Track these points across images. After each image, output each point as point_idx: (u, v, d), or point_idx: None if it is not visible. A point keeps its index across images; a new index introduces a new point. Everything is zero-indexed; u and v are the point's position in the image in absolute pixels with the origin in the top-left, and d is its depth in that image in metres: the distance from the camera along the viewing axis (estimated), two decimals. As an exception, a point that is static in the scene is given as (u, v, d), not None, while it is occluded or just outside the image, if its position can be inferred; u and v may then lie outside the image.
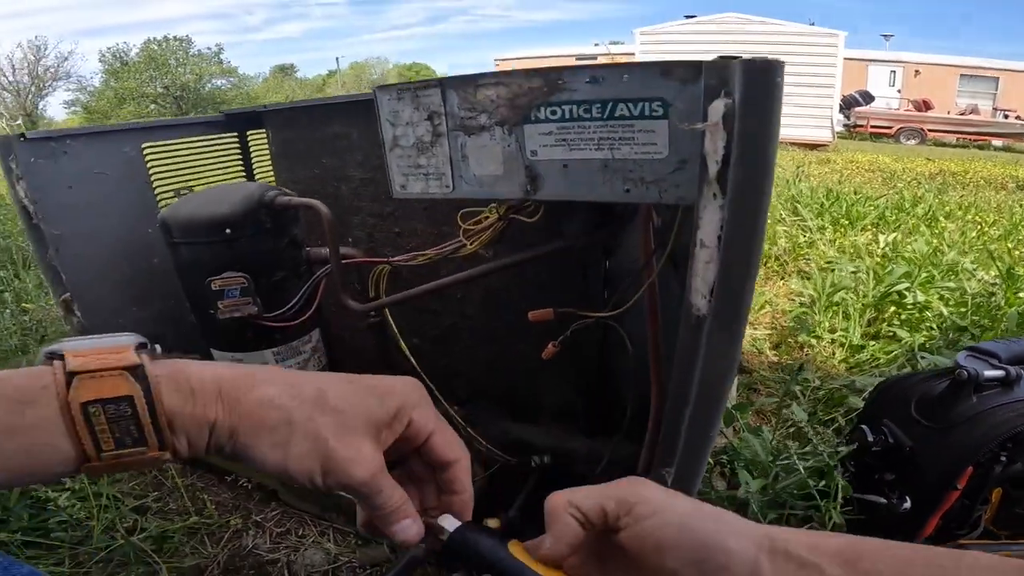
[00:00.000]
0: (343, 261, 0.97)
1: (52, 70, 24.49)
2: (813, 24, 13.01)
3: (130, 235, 1.19)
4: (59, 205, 1.08)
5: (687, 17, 13.35)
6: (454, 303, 1.10)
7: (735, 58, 0.44)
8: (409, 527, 0.44)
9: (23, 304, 2.04)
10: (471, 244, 0.85)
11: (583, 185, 0.56)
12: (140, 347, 0.39)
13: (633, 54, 13.07)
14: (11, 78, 23.18)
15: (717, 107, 0.45)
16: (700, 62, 0.47)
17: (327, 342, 1.13)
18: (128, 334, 0.41)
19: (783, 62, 0.44)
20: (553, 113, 0.55)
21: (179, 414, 0.38)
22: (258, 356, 1.00)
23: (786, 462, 0.93)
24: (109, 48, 26.04)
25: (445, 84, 0.60)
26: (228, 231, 0.94)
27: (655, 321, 0.74)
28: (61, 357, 0.37)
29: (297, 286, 1.01)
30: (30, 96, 24.29)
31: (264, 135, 1.35)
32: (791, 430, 1.18)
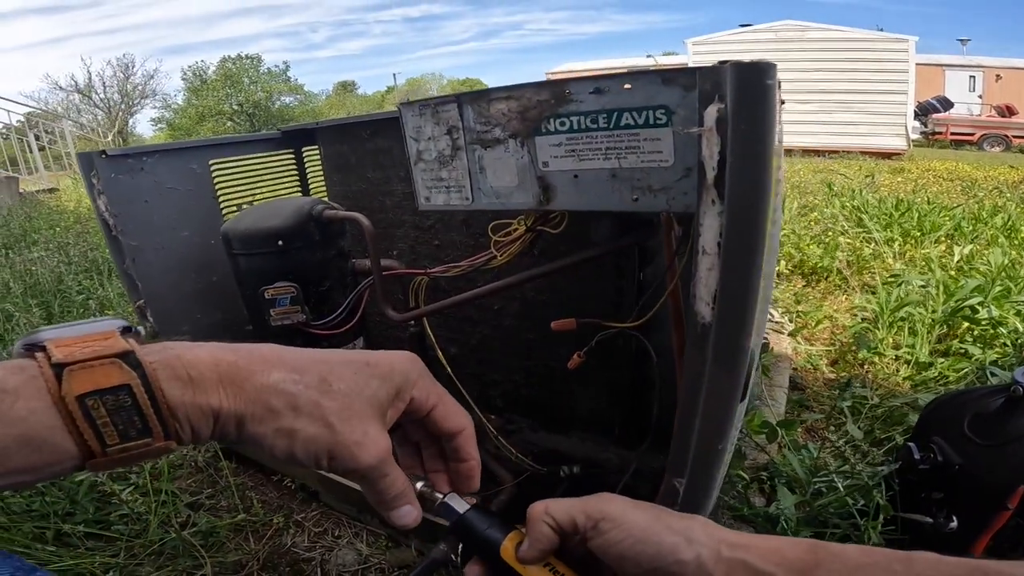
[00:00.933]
0: (384, 273, 1.02)
1: (140, 88, 26.40)
2: (881, 30, 12.39)
3: (197, 247, 1.30)
4: (136, 218, 1.18)
5: (742, 26, 13.01)
6: (491, 314, 1.13)
7: (725, 63, 0.45)
8: (408, 513, 0.47)
9: (106, 312, 2.21)
10: (501, 256, 0.88)
11: (593, 195, 0.58)
12: (124, 331, 0.38)
13: (686, 65, 12.81)
14: (102, 95, 24.90)
15: (711, 112, 0.46)
16: (696, 68, 0.48)
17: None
18: (109, 318, 0.39)
19: (774, 63, 0.44)
20: (562, 124, 0.57)
21: (180, 403, 0.37)
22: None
23: (826, 480, 0.90)
24: (190, 66, 28.13)
25: (462, 99, 0.64)
26: (280, 243, 1.02)
27: (680, 329, 0.74)
28: (42, 348, 0.34)
29: (343, 296, 1.08)
30: (120, 113, 26.00)
31: (317, 151, 1.42)
32: (842, 448, 1.14)
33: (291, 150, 1.48)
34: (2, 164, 7.38)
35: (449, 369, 1.10)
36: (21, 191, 6.27)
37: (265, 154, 1.45)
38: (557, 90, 0.56)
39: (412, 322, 1.10)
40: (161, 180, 1.25)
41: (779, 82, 0.51)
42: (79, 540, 1.10)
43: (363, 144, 1.26)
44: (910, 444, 0.91)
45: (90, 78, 24.63)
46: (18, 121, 9.23)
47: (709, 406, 0.56)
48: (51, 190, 6.88)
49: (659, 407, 0.98)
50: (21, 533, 1.08)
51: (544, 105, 0.58)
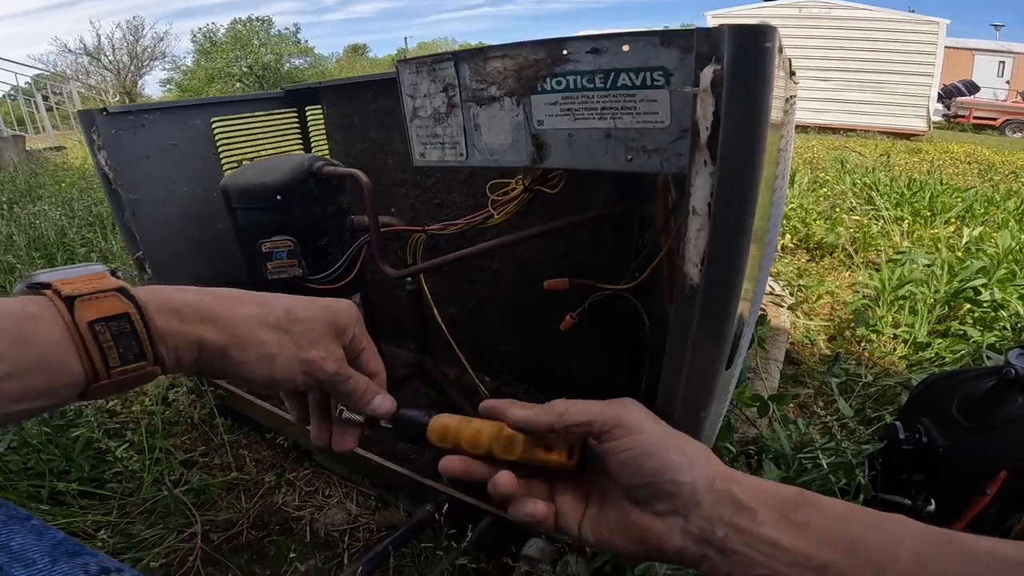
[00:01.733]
0: (382, 229, 1.02)
1: (149, 50, 26.37)
2: (913, 11, 12.06)
3: (197, 202, 1.32)
4: (137, 173, 1.21)
5: (765, 0, 12.61)
6: (488, 275, 1.14)
7: (723, 25, 0.44)
8: (382, 402, 0.56)
9: (109, 263, 2.22)
10: (498, 215, 0.88)
11: (587, 154, 0.58)
12: (111, 274, 0.42)
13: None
14: (111, 57, 24.75)
15: (707, 73, 0.45)
16: (694, 30, 0.47)
17: (369, 313, 1.19)
18: (93, 264, 0.44)
19: (775, 27, 0.44)
20: (558, 84, 0.57)
21: (168, 332, 0.42)
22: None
23: (812, 456, 0.91)
24: (200, 28, 27.87)
25: (458, 57, 0.63)
26: (279, 197, 1.02)
27: (672, 292, 0.74)
28: (47, 286, 0.39)
29: (341, 251, 1.09)
30: (129, 75, 26.17)
31: (321, 110, 1.42)
32: (830, 424, 1.15)
33: (294, 109, 1.49)
34: (10, 125, 7.45)
35: (446, 329, 1.11)
36: (28, 149, 6.29)
37: (268, 113, 1.46)
38: (554, 49, 0.56)
39: (409, 280, 1.11)
40: (162, 137, 1.28)
41: (781, 47, 0.50)
42: (73, 499, 1.13)
43: (367, 104, 1.26)
44: (896, 424, 0.92)
45: (99, 41, 24.52)
46: (26, 83, 9.26)
47: (693, 372, 0.56)
48: (57, 148, 6.91)
49: (649, 373, 0.99)
50: (16, 492, 1.11)
51: (541, 64, 0.57)
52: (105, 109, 1.17)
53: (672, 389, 0.59)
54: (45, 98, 9.10)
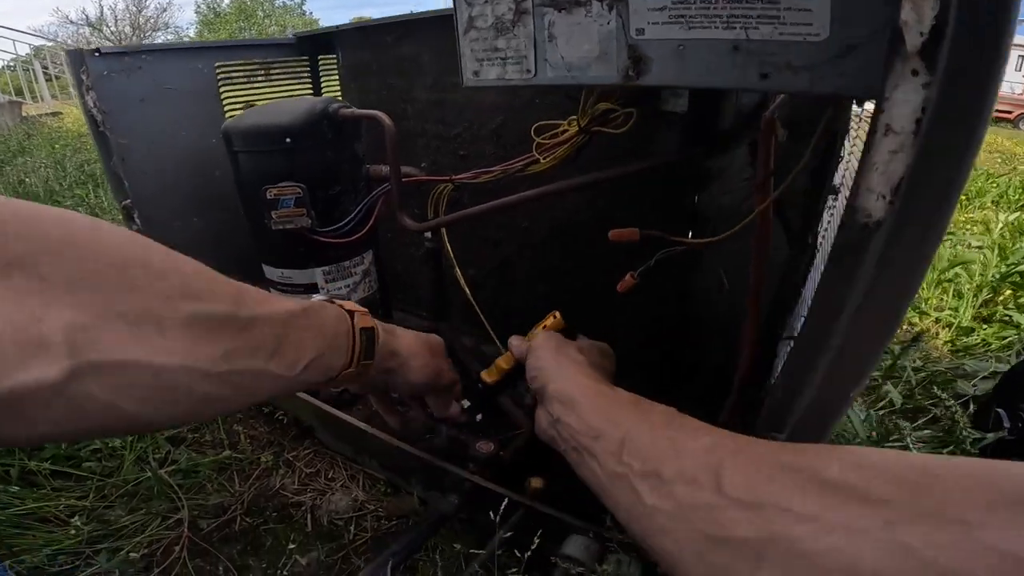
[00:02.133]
0: (403, 180, 0.89)
1: (152, 21, 25.89)
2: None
3: (195, 148, 1.23)
4: (129, 117, 1.12)
5: None
6: (518, 233, 1.03)
7: None
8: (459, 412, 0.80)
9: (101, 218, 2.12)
10: (544, 160, 0.75)
11: (703, 69, 0.47)
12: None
13: None
14: (114, 28, 24.46)
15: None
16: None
17: (380, 272, 1.06)
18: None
19: None
20: (670, -17, 0.44)
21: (385, 343, 0.63)
22: (308, 274, 0.96)
23: (899, 444, 0.79)
24: None
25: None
26: (288, 140, 0.92)
27: (763, 255, 0.62)
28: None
29: (354, 203, 0.97)
30: (131, 46, 25.66)
31: (334, 59, 1.31)
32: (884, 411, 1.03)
33: (305, 57, 1.37)
34: (8, 94, 7.46)
35: (468, 291, 0.99)
36: (24, 115, 6.20)
37: (276, 60, 1.34)
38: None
39: (429, 236, 0.98)
40: (161, 80, 1.18)
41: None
42: (45, 479, 1.01)
43: (386, 51, 1.14)
44: (999, 411, 0.80)
45: (101, 11, 24.22)
46: (26, 54, 9.25)
47: (853, 336, 0.43)
48: (54, 114, 6.82)
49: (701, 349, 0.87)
50: (-19, 473, 0.99)
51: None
52: (98, 49, 1.08)
53: (807, 364, 0.46)
54: (45, 68, 9.06)
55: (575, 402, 0.53)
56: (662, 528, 0.37)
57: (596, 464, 0.47)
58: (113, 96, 1.09)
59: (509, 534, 0.73)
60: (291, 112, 0.93)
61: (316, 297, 0.60)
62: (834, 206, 0.95)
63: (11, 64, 9.08)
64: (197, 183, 1.24)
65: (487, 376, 0.77)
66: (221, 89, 1.28)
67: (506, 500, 0.73)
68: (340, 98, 1.30)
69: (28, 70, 8.63)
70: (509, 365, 0.76)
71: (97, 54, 1.07)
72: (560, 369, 0.59)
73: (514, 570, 0.69)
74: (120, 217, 1.16)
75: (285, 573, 0.87)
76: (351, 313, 0.58)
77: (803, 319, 0.90)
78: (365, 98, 1.21)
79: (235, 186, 0.98)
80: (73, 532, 0.91)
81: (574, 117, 0.74)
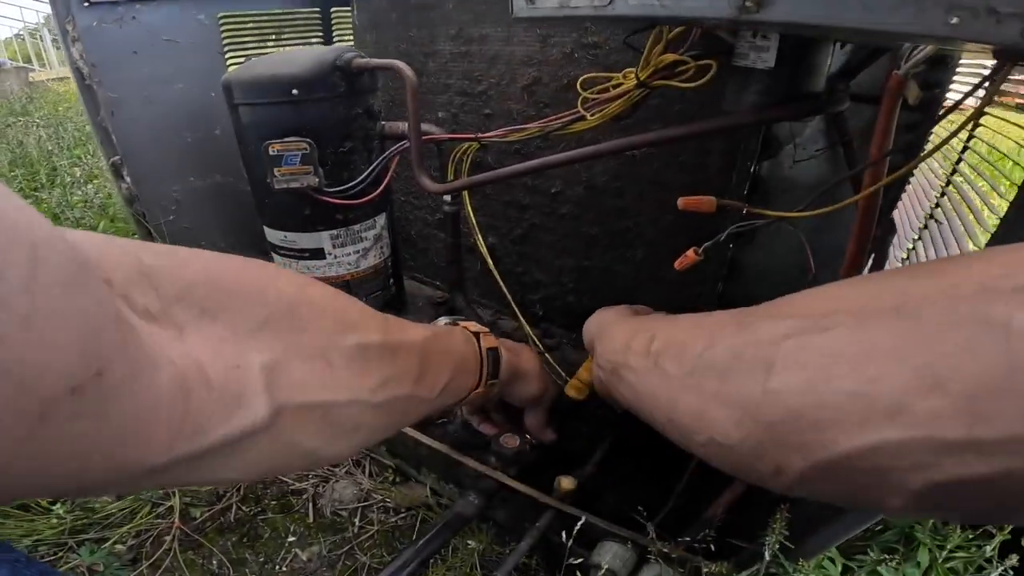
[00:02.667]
0: (423, 138, 0.80)
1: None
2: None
3: (195, 104, 1.14)
4: (120, 69, 1.04)
5: None
6: (546, 199, 0.94)
7: None
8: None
9: (94, 180, 2.11)
10: (591, 116, 0.66)
11: (860, 7, 0.34)
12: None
13: None
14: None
15: None
16: None
17: (392, 240, 0.98)
18: (443, 319, 0.78)
19: None
20: None
21: (508, 362, 0.65)
22: (313, 238, 0.88)
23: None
24: None
25: None
26: (295, 92, 0.82)
27: (865, 234, 0.52)
28: (456, 324, 0.63)
29: (367, 162, 0.88)
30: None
31: (349, 11, 1.20)
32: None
33: (316, 9, 1.27)
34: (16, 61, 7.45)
35: (491, 260, 0.91)
36: (31, 80, 6.15)
37: (285, 11, 1.24)
38: None
39: (449, 200, 0.89)
40: (156, 31, 1.08)
41: None
42: None
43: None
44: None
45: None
46: (35, 23, 9.27)
47: None
48: (61, 79, 6.76)
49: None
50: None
51: None
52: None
53: None
54: (54, 37, 9.09)
55: (611, 331, 0.55)
56: (684, 388, 0.36)
57: (630, 373, 0.46)
58: (103, 48, 1.00)
59: (533, 540, 0.64)
60: (298, 62, 0.83)
61: (441, 321, 0.70)
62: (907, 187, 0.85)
63: (20, 33, 9.08)
64: (195, 141, 1.16)
65: (575, 393, 0.74)
66: (224, 42, 1.18)
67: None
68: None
69: (36, 37, 8.61)
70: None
71: (86, 4, 0.98)
72: (604, 318, 0.64)
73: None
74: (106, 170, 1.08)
75: (284, 569, 0.79)
76: (476, 335, 0.61)
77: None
78: (382, 53, 1.11)
79: (237, 142, 0.89)
80: (55, 521, 0.84)
81: (630, 70, 0.65)
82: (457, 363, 0.54)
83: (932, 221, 0.76)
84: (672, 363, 0.38)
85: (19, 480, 0.20)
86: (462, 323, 0.64)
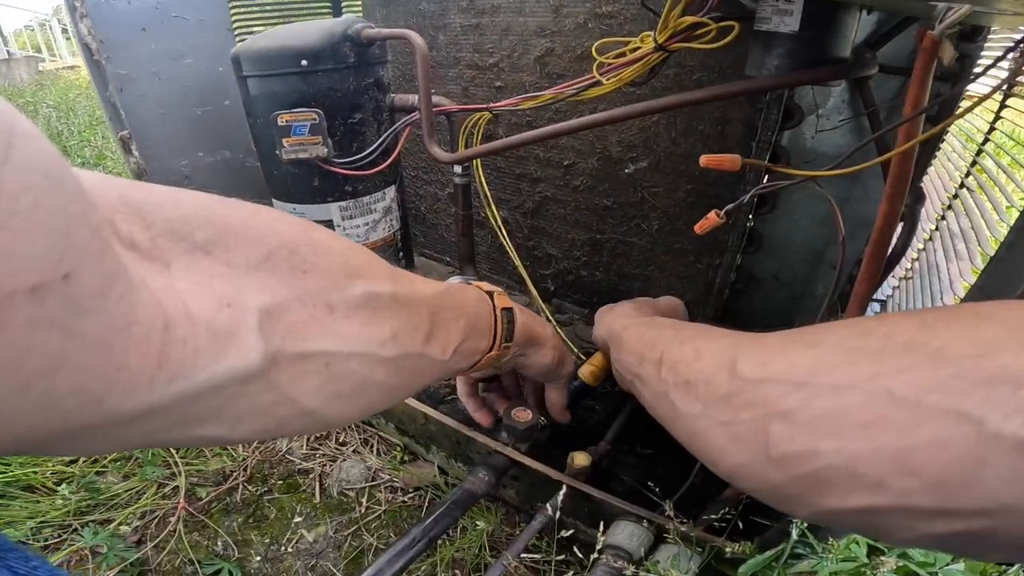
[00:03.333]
0: (434, 110, 0.78)
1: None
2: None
3: (204, 79, 1.14)
4: (129, 46, 1.04)
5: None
6: (559, 171, 0.93)
7: None
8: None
9: (104, 159, 2.13)
10: (608, 81, 0.64)
11: None
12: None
13: None
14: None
15: None
16: None
17: (402, 214, 0.98)
18: (455, 277, 0.73)
19: None
20: None
21: (524, 324, 0.59)
22: (323, 209, 0.87)
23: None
24: None
25: None
26: (304, 63, 0.81)
27: (896, 200, 0.50)
28: (470, 283, 0.57)
29: (376, 134, 0.86)
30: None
31: (359, -13, 1.19)
32: None
33: (327, -15, 1.24)
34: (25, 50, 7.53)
35: (503, 232, 0.89)
36: (41, 70, 6.20)
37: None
38: None
39: (459, 171, 0.87)
40: (165, 7, 1.08)
41: None
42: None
43: (417, -30, 1.02)
44: None
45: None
46: (45, 14, 9.38)
47: None
48: (71, 67, 6.82)
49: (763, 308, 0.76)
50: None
51: None
52: (93, -25, 0.99)
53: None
54: (64, 29, 9.19)
55: (622, 340, 0.56)
56: (696, 431, 0.37)
57: (645, 388, 0.47)
58: (112, 24, 1.00)
59: (546, 518, 0.62)
60: (307, 33, 0.82)
61: (454, 279, 0.63)
62: (932, 162, 0.83)
63: (30, 24, 9.19)
64: (204, 116, 1.15)
65: (591, 379, 0.72)
66: (233, 19, 1.17)
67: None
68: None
69: (46, 28, 8.70)
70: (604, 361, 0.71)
71: (95, -18, 0.98)
72: (612, 325, 0.62)
73: (548, 559, 0.59)
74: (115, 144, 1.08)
75: (289, 550, 0.78)
76: (490, 294, 0.56)
77: (896, 282, 0.79)
78: (392, 26, 1.09)
79: (245, 115, 0.89)
80: (60, 502, 0.84)
81: (647, 33, 0.63)
82: (470, 322, 0.50)
83: (963, 190, 0.73)
84: (682, 398, 0.39)
85: None
86: (475, 283, 0.58)
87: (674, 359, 0.43)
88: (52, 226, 0.17)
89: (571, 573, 0.69)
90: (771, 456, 0.30)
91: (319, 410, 0.33)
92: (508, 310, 0.56)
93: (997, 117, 0.74)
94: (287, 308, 0.30)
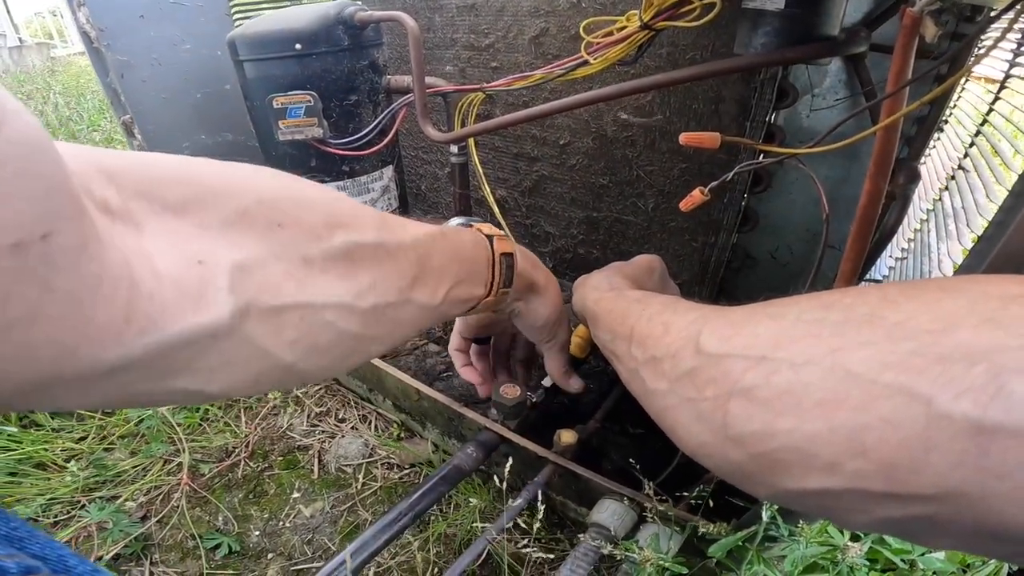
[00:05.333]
0: (428, 91, 0.79)
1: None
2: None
3: (203, 62, 1.16)
4: (128, 33, 1.07)
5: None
6: (555, 150, 0.94)
7: None
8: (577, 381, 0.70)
9: (112, 144, 2.18)
10: (595, 61, 0.64)
11: None
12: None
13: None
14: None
15: None
16: None
17: (401, 192, 1.01)
18: (456, 219, 0.60)
19: None
20: None
21: (523, 270, 0.57)
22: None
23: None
24: None
25: None
26: (298, 46, 0.82)
27: (880, 177, 0.51)
28: (470, 226, 0.55)
29: (372, 115, 0.88)
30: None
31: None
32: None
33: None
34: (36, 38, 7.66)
35: (498, 210, 0.91)
36: (53, 56, 6.27)
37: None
38: None
39: (456, 151, 0.89)
40: None
41: None
42: (46, 418, 0.97)
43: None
44: None
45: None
46: (55, 2, 9.47)
47: None
48: (82, 52, 6.92)
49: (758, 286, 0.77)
50: (-22, 415, 0.95)
51: None
52: (90, -36, 1.00)
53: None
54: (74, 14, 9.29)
55: (596, 316, 0.54)
56: (664, 408, 0.37)
57: (620, 365, 0.47)
58: (110, 12, 1.03)
59: (531, 495, 0.64)
60: (301, 17, 0.84)
61: (453, 221, 0.59)
62: (935, 145, 0.83)
63: (40, 12, 9.29)
64: (204, 99, 1.18)
65: (577, 351, 0.71)
66: (231, 3, 1.18)
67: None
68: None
69: (57, 15, 8.79)
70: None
71: (91, -32, 0.99)
72: (586, 299, 0.59)
73: (532, 537, 0.61)
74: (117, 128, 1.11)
75: (287, 525, 0.81)
76: (489, 237, 0.54)
77: (892, 262, 0.79)
78: (388, 7, 1.10)
79: (243, 98, 0.90)
80: (69, 479, 0.87)
81: (633, 12, 0.63)
82: (464, 266, 0.49)
83: (960, 171, 0.73)
84: (651, 375, 0.39)
85: None
86: (476, 224, 0.56)
87: (643, 334, 0.42)
88: (34, 191, 0.19)
89: (556, 550, 0.71)
90: (730, 435, 0.30)
91: (297, 364, 0.34)
92: (508, 255, 0.54)
93: (996, 99, 0.73)
94: (261, 263, 0.31)
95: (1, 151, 0.18)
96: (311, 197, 0.35)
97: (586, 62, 0.67)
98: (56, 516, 0.84)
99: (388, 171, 0.94)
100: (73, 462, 0.89)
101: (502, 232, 0.56)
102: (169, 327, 0.26)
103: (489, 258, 0.52)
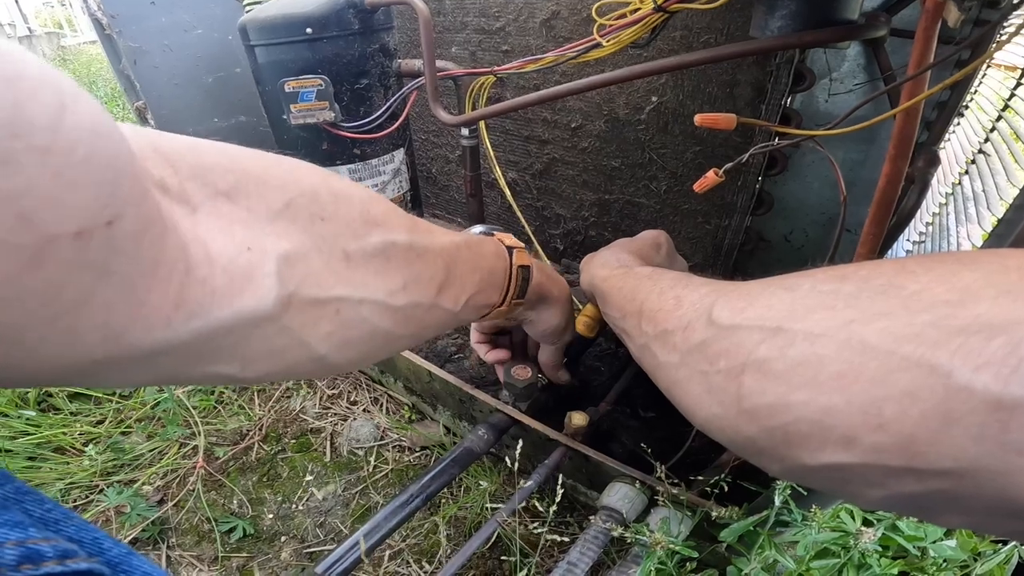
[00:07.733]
0: (439, 74, 0.80)
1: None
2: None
3: (215, 45, 1.17)
4: (139, 19, 1.08)
5: None
6: (566, 133, 0.94)
7: None
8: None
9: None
10: (607, 43, 0.64)
11: None
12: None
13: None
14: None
15: None
16: None
17: (412, 175, 1.02)
18: (477, 227, 0.66)
19: None
20: None
21: (538, 283, 0.60)
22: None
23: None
24: None
25: None
26: (309, 30, 0.83)
27: (900, 159, 0.50)
28: (491, 235, 0.58)
29: (384, 99, 0.89)
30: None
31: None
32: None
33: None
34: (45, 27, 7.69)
35: (509, 193, 0.91)
36: (62, 45, 6.31)
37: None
38: None
39: (466, 134, 0.89)
40: None
41: None
42: (64, 402, 0.99)
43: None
44: None
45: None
46: None
47: None
48: (92, 41, 6.96)
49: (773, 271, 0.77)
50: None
51: None
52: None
53: None
54: (83, 2, 9.34)
55: (605, 294, 0.55)
56: (675, 381, 0.37)
57: (630, 342, 0.47)
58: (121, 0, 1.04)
59: (542, 477, 0.65)
60: (312, 1, 0.84)
61: (475, 229, 0.63)
62: (954, 130, 0.82)
63: (49, 1, 9.32)
64: (216, 83, 1.19)
65: (585, 330, 0.70)
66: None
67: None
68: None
69: (66, 5, 8.83)
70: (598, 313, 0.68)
71: (101, -44, 1.00)
72: (593, 277, 0.60)
73: (547, 520, 0.62)
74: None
75: (300, 508, 0.82)
76: (510, 249, 0.56)
77: (910, 245, 0.78)
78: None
79: (255, 83, 0.91)
80: (87, 463, 0.88)
81: (653, -9, 0.63)
82: (485, 276, 0.50)
83: (980, 155, 0.73)
84: (661, 349, 0.39)
85: None
86: (498, 235, 0.58)
87: (654, 309, 0.43)
88: (101, 177, 0.19)
89: (566, 533, 0.71)
90: (743, 408, 0.30)
91: (328, 356, 0.34)
92: (525, 268, 0.56)
93: (1019, 84, 0.72)
94: (304, 255, 0.31)
95: (67, 136, 0.18)
96: (349, 193, 0.36)
97: (598, 44, 0.66)
98: (75, 500, 0.85)
99: (399, 154, 0.95)
100: (91, 446, 0.90)
101: (523, 245, 0.58)
102: (216, 313, 0.26)
103: (507, 269, 0.54)
